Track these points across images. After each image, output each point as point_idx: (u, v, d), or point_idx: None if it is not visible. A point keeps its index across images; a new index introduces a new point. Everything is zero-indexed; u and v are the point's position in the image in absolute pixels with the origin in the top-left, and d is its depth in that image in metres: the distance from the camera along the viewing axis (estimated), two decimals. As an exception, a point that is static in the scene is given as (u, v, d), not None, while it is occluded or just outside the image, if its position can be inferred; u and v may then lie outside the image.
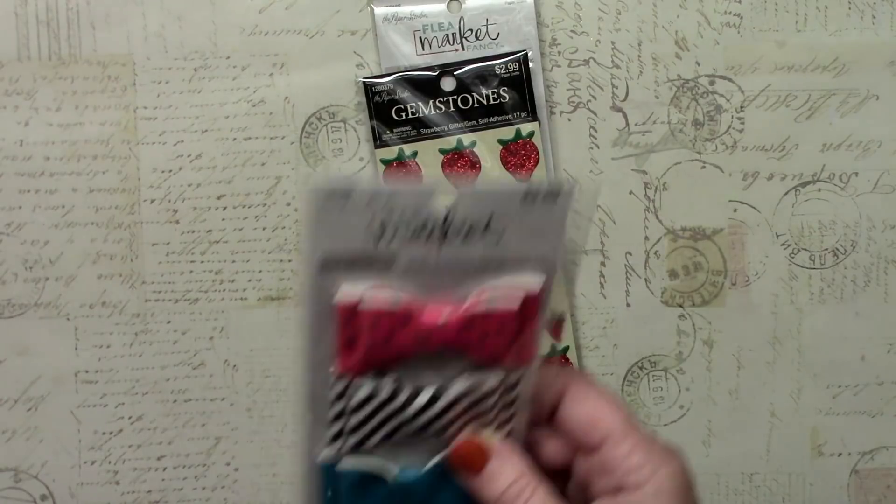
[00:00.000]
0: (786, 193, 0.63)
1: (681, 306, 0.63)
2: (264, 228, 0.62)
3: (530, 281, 0.39)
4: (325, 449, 0.41)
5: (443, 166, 0.62)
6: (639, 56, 0.62)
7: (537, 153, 0.62)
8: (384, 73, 0.61)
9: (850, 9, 0.62)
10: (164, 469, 0.64)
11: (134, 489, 0.64)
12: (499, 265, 0.39)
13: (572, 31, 0.62)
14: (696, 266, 0.63)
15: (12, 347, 0.63)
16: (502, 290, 0.39)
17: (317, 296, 0.39)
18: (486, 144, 0.62)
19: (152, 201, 0.62)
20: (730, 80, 0.62)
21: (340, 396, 0.40)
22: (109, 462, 0.63)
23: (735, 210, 0.63)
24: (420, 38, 0.61)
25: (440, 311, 0.39)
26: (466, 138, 0.62)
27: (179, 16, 0.61)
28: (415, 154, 0.62)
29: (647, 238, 0.63)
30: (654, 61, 0.62)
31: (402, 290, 0.39)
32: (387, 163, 0.61)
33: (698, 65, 0.62)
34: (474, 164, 0.62)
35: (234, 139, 0.62)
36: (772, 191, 0.63)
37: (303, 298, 0.39)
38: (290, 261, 0.63)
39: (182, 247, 0.62)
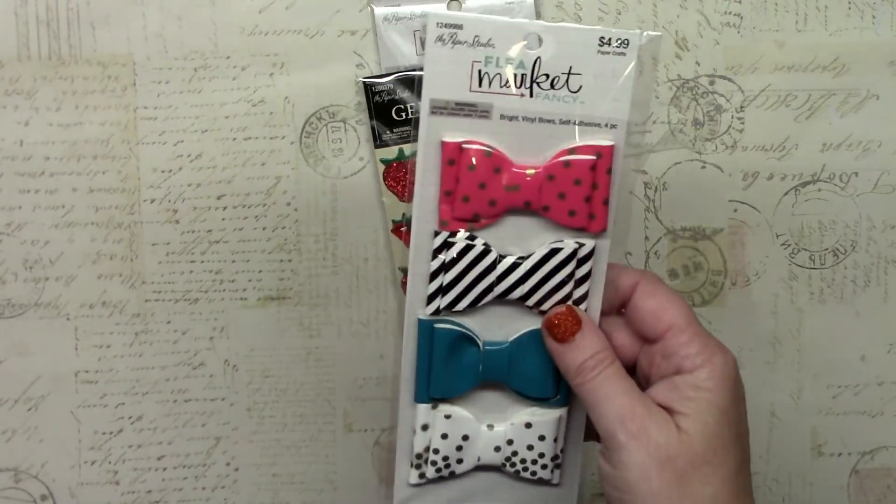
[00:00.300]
0: (786, 193, 0.63)
1: (681, 306, 0.63)
2: (264, 228, 0.62)
3: (604, 139, 0.47)
4: (425, 307, 0.49)
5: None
6: (639, 56, 0.62)
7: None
8: (384, 73, 0.61)
9: (850, 9, 0.62)
10: (164, 469, 0.64)
11: (134, 489, 0.64)
12: (578, 123, 0.47)
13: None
14: (696, 266, 0.63)
15: (12, 347, 0.63)
16: (580, 148, 0.47)
17: (426, 136, 0.47)
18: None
19: (152, 201, 0.62)
20: (730, 80, 0.62)
21: (439, 251, 0.48)
22: (109, 462, 0.63)
23: (735, 210, 0.63)
24: (420, 38, 0.61)
25: (528, 165, 0.47)
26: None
27: (179, 16, 0.61)
28: (415, 154, 0.61)
29: (647, 238, 0.63)
30: (653, 61, 0.62)
31: (495, 145, 0.47)
32: (387, 163, 0.61)
33: (698, 65, 0.62)
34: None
35: (234, 139, 0.62)
36: (772, 191, 0.63)
37: (418, 141, 0.47)
38: (289, 261, 0.63)
39: (182, 247, 0.62)
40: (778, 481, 0.64)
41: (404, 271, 0.62)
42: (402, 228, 0.62)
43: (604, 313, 0.50)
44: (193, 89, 0.62)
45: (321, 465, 0.64)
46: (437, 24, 0.46)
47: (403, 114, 0.61)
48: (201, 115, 0.62)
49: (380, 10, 0.61)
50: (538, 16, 0.61)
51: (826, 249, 0.63)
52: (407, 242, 0.56)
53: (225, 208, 0.62)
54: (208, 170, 0.62)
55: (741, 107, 0.62)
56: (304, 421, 0.64)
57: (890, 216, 0.63)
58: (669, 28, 0.62)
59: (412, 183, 0.49)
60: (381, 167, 0.62)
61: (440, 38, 0.47)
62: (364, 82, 0.61)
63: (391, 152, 0.61)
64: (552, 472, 0.52)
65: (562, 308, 0.49)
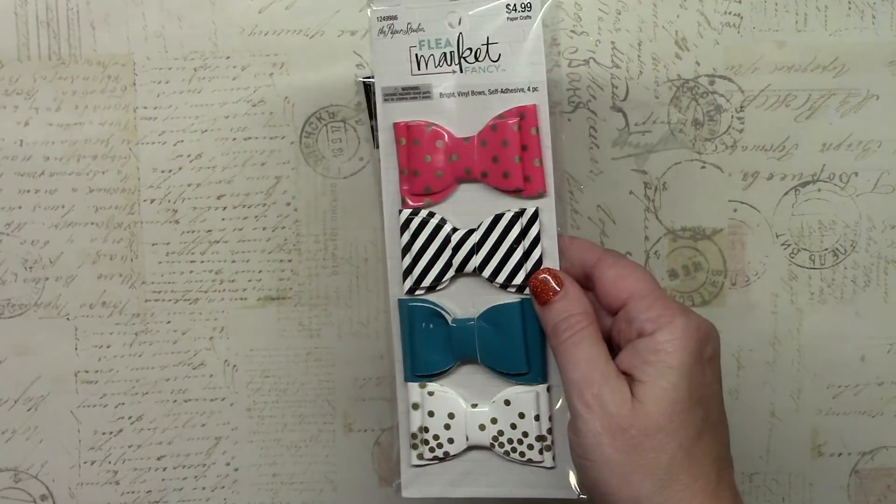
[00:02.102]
0: (786, 193, 0.63)
1: (681, 306, 0.63)
2: (264, 228, 0.62)
3: (523, 99, 0.50)
4: (399, 285, 0.52)
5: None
6: (639, 56, 0.62)
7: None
8: (384, 73, 0.61)
9: (850, 9, 0.62)
10: (164, 469, 0.64)
11: (134, 489, 0.64)
12: (503, 91, 0.50)
13: (572, 31, 0.62)
14: (696, 266, 0.63)
15: (12, 347, 0.63)
16: (506, 112, 0.50)
17: (382, 122, 0.52)
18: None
19: (152, 201, 0.62)
20: (730, 79, 0.62)
21: (403, 228, 0.52)
22: (109, 462, 0.63)
23: (735, 210, 0.63)
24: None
25: (461, 140, 0.51)
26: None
27: (179, 16, 0.61)
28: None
29: (646, 238, 0.63)
30: (654, 61, 0.62)
31: (439, 122, 0.51)
32: (387, 163, 0.61)
33: (698, 65, 0.62)
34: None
35: (234, 139, 0.62)
36: (772, 191, 0.63)
37: (377, 127, 0.52)
38: (289, 261, 0.63)
39: (182, 247, 0.62)
40: (778, 481, 0.64)
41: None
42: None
43: None
44: (193, 89, 0.62)
45: (321, 465, 0.64)
46: (378, 18, 0.51)
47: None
48: (201, 115, 0.62)
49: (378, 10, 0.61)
50: (538, 16, 0.61)
51: (826, 249, 0.63)
52: None
53: (225, 208, 0.62)
54: (208, 170, 0.62)
55: (741, 107, 0.62)
56: (304, 421, 0.64)
57: (890, 216, 0.63)
58: (669, 28, 0.62)
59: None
60: (381, 167, 0.62)
61: (381, 31, 0.51)
62: (364, 81, 0.61)
63: (391, 152, 0.61)
64: (541, 453, 0.52)
65: (545, 270, 0.50)
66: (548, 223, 0.51)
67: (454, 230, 0.52)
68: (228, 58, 0.62)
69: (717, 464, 0.47)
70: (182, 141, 0.62)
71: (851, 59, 0.62)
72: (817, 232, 0.63)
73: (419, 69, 0.51)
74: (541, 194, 0.51)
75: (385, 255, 0.53)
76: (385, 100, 0.52)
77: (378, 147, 0.52)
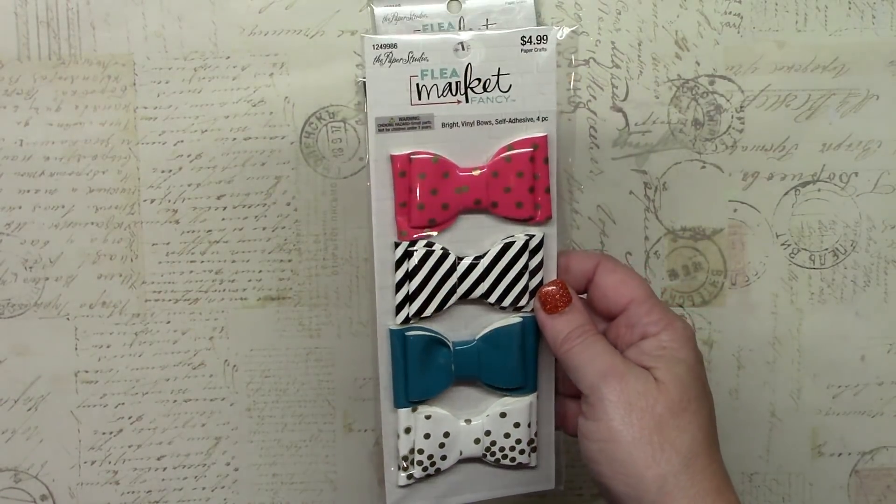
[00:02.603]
0: (786, 193, 0.63)
1: (681, 306, 0.63)
2: (264, 228, 0.62)
3: (532, 128, 0.51)
4: (394, 316, 0.52)
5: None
6: (639, 56, 0.62)
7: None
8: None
9: (850, 9, 0.62)
10: (164, 469, 0.64)
11: (134, 489, 0.64)
12: (512, 120, 0.51)
13: (573, 31, 0.62)
14: (695, 266, 0.63)
15: (12, 347, 0.63)
16: (517, 143, 0.51)
17: (375, 153, 0.50)
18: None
19: (152, 201, 0.62)
20: (730, 80, 0.62)
21: (401, 262, 0.51)
22: (109, 462, 0.63)
23: (735, 210, 0.63)
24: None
25: (472, 167, 0.51)
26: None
27: (179, 16, 0.61)
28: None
29: (647, 238, 0.63)
30: (654, 61, 0.62)
31: (440, 153, 0.50)
32: (387, 163, 0.61)
33: (698, 65, 0.62)
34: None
35: (234, 139, 0.62)
36: (772, 191, 0.63)
37: (368, 159, 0.50)
38: (289, 261, 0.63)
39: (182, 247, 0.62)
40: (778, 481, 0.64)
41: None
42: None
43: None
44: (193, 89, 0.62)
45: (321, 465, 0.64)
46: (374, 46, 0.49)
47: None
48: (201, 115, 0.62)
49: (380, 10, 0.61)
50: (538, 16, 0.61)
51: (826, 249, 0.63)
52: None
53: (225, 208, 0.62)
54: (208, 170, 0.62)
55: (741, 107, 0.62)
56: (304, 421, 0.64)
57: (890, 216, 0.63)
58: (669, 28, 0.62)
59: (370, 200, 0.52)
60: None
61: (377, 59, 0.49)
62: (364, 82, 0.61)
63: (391, 152, 0.61)
64: (529, 455, 0.55)
65: (555, 282, 0.52)
66: (550, 247, 0.53)
67: (458, 259, 0.52)
68: (228, 58, 0.62)
69: (720, 454, 0.50)
70: (182, 141, 0.62)
71: (851, 59, 0.62)
72: (817, 232, 0.63)
73: (419, 99, 0.50)
74: (548, 220, 0.52)
75: (374, 285, 0.52)
76: (379, 130, 0.50)
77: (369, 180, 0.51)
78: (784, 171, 0.63)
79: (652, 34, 0.62)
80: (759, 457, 0.64)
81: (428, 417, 0.53)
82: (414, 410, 0.53)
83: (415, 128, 0.50)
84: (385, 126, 0.50)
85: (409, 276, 0.51)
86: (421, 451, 0.54)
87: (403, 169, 0.50)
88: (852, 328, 0.64)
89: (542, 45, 0.51)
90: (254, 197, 0.62)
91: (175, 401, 0.63)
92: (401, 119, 0.50)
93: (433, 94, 0.50)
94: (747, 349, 0.64)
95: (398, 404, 0.53)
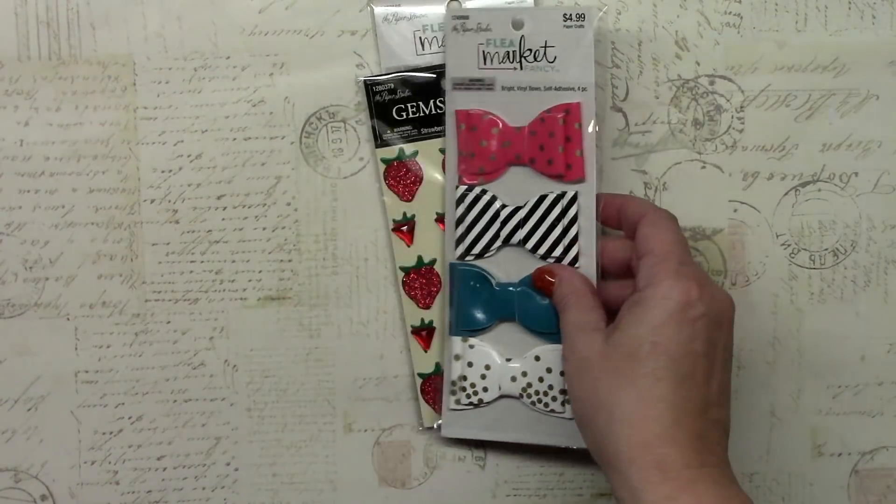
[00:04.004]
0: (786, 193, 0.63)
1: (681, 306, 0.63)
2: (264, 228, 0.62)
3: (572, 97, 0.58)
4: (453, 251, 0.60)
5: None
6: (639, 56, 0.62)
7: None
8: (384, 72, 0.61)
9: (850, 9, 0.62)
10: (164, 469, 0.64)
11: (134, 489, 0.64)
12: (556, 88, 0.58)
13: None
14: (696, 266, 0.63)
15: (12, 347, 0.63)
16: (554, 108, 0.58)
17: (450, 108, 0.60)
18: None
19: (152, 201, 0.62)
20: (730, 80, 0.62)
21: (460, 202, 0.59)
22: (109, 462, 0.63)
23: (735, 210, 0.63)
24: (420, 38, 0.61)
25: (518, 126, 0.59)
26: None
27: (179, 16, 0.61)
28: (415, 153, 0.62)
29: (647, 238, 0.63)
30: (654, 61, 0.62)
31: (498, 112, 0.59)
32: (387, 162, 0.61)
33: (698, 65, 0.62)
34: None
35: (234, 139, 0.62)
36: (772, 191, 0.63)
37: (447, 113, 0.60)
38: (289, 261, 0.63)
39: (182, 247, 0.62)
40: (778, 481, 0.64)
41: (405, 271, 0.62)
42: (403, 228, 0.62)
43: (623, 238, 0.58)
44: (193, 89, 0.62)
45: (321, 465, 0.64)
46: (453, 17, 0.59)
47: (404, 113, 0.61)
48: (201, 115, 0.62)
49: (380, 10, 0.61)
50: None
51: (826, 249, 0.63)
52: (408, 242, 0.61)
53: (225, 208, 0.62)
54: (208, 170, 0.62)
55: (741, 107, 0.62)
56: (304, 421, 0.64)
57: (890, 216, 0.63)
58: (669, 28, 0.62)
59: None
60: (382, 167, 0.62)
61: (454, 28, 0.59)
62: (365, 81, 0.61)
63: (392, 152, 0.61)
64: (563, 405, 0.59)
65: (539, 270, 0.58)
66: (585, 206, 0.59)
67: (503, 206, 0.59)
68: (228, 58, 0.62)
69: (684, 418, 0.49)
70: (182, 141, 0.62)
71: (851, 59, 0.62)
72: (817, 232, 0.63)
73: (485, 63, 0.59)
74: (580, 180, 0.58)
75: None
76: (454, 88, 0.59)
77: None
78: (784, 171, 0.63)
79: (652, 34, 0.62)
80: (759, 457, 0.64)
81: (472, 347, 0.60)
82: (464, 340, 0.60)
83: (480, 89, 0.59)
84: (459, 85, 0.59)
85: (461, 217, 0.59)
86: (465, 378, 0.60)
87: (462, 122, 0.59)
88: (852, 328, 0.64)
89: (580, 23, 0.58)
90: (254, 197, 0.62)
91: (175, 401, 0.63)
92: (470, 80, 0.59)
93: (495, 60, 0.59)
94: (747, 349, 0.64)
95: (453, 332, 0.60)
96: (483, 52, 0.59)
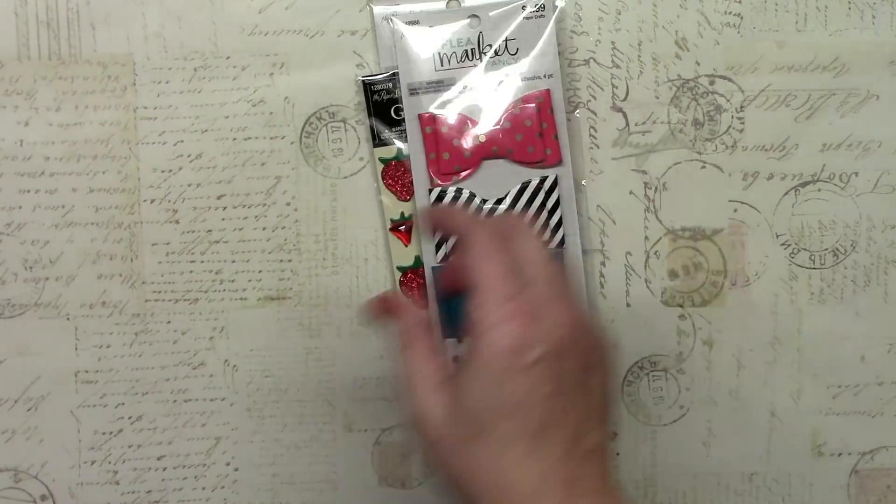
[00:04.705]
0: (786, 193, 0.63)
1: (681, 306, 0.63)
2: (264, 228, 0.62)
3: (540, 84, 0.60)
4: (433, 255, 0.60)
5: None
6: (639, 56, 0.62)
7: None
8: (383, 72, 0.61)
9: (850, 9, 0.62)
10: (164, 469, 0.64)
11: (134, 489, 0.64)
12: (522, 79, 0.60)
13: (572, 31, 0.62)
14: (696, 266, 0.63)
15: (12, 347, 0.63)
16: (525, 97, 0.60)
17: (408, 113, 0.60)
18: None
19: (152, 201, 0.62)
20: (730, 80, 0.62)
21: (436, 203, 0.60)
22: (109, 462, 0.63)
23: (735, 210, 0.63)
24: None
25: (489, 120, 0.60)
26: (466, 138, 0.62)
27: (179, 16, 0.61)
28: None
29: (647, 238, 0.63)
30: (654, 61, 0.62)
31: (462, 110, 0.60)
32: (385, 161, 0.61)
33: (698, 65, 0.62)
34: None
35: (234, 139, 0.62)
36: (772, 191, 0.63)
37: (406, 119, 0.60)
38: (289, 261, 0.63)
39: (182, 247, 0.62)
40: (778, 481, 0.64)
41: (402, 271, 0.62)
42: (400, 227, 0.62)
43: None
44: (193, 89, 0.62)
45: (321, 465, 0.64)
46: (404, 22, 0.60)
47: (402, 112, 0.61)
48: (201, 115, 0.62)
49: (379, 10, 0.61)
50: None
51: (826, 249, 0.63)
52: (405, 242, 0.61)
53: (225, 208, 0.62)
54: (208, 170, 0.62)
55: (741, 107, 0.62)
56: (304, 421, 0.64)
57: (890, 216, 0.63)
58: (669, 28, 0.62)
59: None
60: (380, 166, 0.62)
61: (403, 36, 0.60)
62: (363, 81, 0.61)
63: (390, 151, 0.61)
64: None
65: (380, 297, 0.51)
66: (566, 188, 0.60)
67: (483, 201, 0.60)
68: (228, 58, 0.62)
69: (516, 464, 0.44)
70: (182, 141, 0.62)
71: (851, 59, 0.62)
72: (817, 232, 0.63)
73: (442, 65, 0.60)
74: (559, 163, 0.60)
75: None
76: (411, 93, 0.60)
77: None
78: (784, 171, 0.63)
79: (652, 34, 0.62)
80: (759, 457, 0.64)
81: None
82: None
83: (440, 90, 0.60)
84: (415, 90, 0.60)
85: None
86: None
87: (429, 125, 0.60)
88: (852, 328, 0.64)
89: (540, 13, 0.60)
90: (254, 197, 0.62)
91: (175, 401, 0.63)
92: (428, 83, 0.60)
93: (453, 60, 0.60)
94: (747, 349, 0.64)
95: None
96: (439, 54, 0.60)
